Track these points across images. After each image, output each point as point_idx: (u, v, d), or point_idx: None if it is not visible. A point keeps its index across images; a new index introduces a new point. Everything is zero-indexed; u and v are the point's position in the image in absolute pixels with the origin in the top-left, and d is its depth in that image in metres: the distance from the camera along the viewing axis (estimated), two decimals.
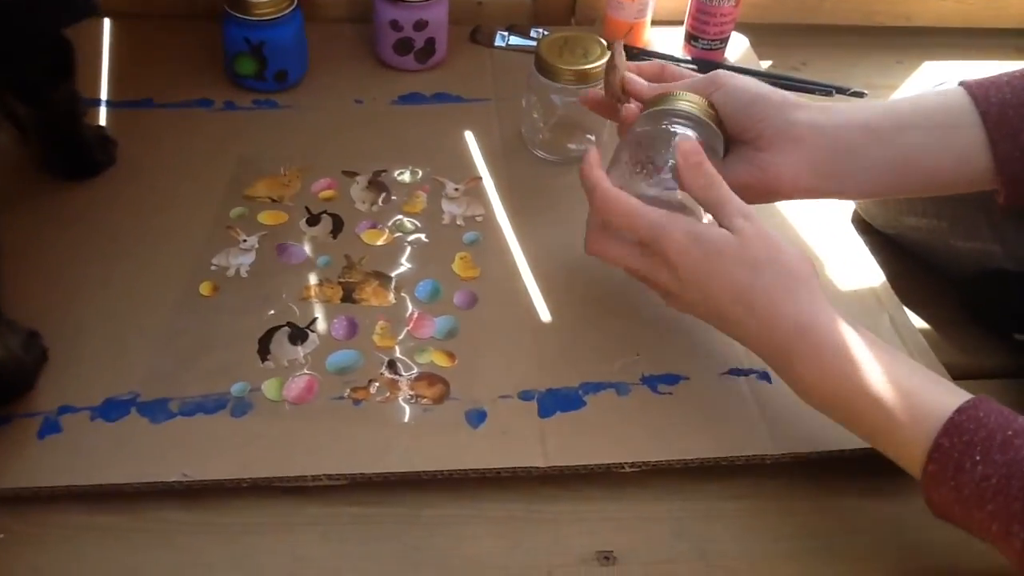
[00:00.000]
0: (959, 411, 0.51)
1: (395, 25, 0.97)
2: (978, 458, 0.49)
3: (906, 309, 0.78)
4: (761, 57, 1.13)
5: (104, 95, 0.93)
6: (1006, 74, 0.64)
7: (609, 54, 0.74)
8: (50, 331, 0.69)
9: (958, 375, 0.71)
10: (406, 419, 0.66)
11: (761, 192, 0.66)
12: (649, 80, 0.73)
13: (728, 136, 0.68)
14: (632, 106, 0.71)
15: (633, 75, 0.72)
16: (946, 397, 0.52)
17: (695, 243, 0.59)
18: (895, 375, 0.54)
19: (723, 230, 0.60)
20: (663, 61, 0.77)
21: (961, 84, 0.66)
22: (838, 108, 0.66)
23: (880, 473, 0.65)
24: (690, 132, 0.66)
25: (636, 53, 1.07)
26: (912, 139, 0.64)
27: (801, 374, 0.58)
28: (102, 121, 0.90)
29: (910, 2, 1.23)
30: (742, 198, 0.62)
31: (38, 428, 0.63)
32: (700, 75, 0.70)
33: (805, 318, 0.57)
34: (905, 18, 1.23)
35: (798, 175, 0.65)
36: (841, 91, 1.05)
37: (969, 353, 0.78)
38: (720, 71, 0.69)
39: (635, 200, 0.62)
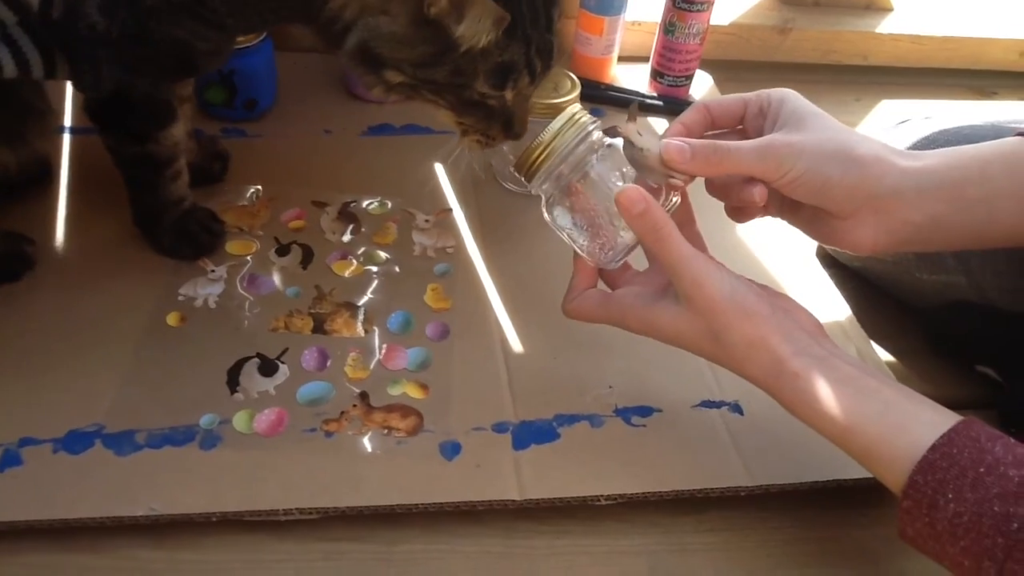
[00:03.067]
0: (933, 448, 0.51)
1: None
2: (950, 496, 0.50)
3: (872, 342, 0.79)
4: (724, 93, 1.14)
5: (68, 122, 0.92)
6: None
7: (624, 127, 0.60)
8: (11, 360, 0.67)
9: None
10: (379, 452, 0.65)
11: (836, 246, 0.64)
12: (731, 117, 0.64)
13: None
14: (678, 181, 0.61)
15: (674, 144, 0.59)
16: (921, 432, 0.53)
17: (654, 329, 0.62)
18: (868, 415, 0.55)
19: (673, 310, 0.60)
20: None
21: None
22: (927, 170, 0.60)
23: (855, 504, 0.66)
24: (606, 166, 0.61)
25: (604, 88, 1.08)
26: (999, 206, 0.60)
27: (789, 412, 0.59)
28: (66, 147, 0.89)
29: (867, 42, 1.26)
30: (817, 241, 0.64)
31: None
32: (757, 150, 0.59)
33: (771, 380, 0.58)
34: (862, 57, 1.27)
35: (877, 242, 0.61)
36: None
37: (934, 385, 0.79)
38: (776, 140, 0.59)
39: (587, 306, 0.64)
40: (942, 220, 0.60)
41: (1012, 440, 0.52)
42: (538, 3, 0.64)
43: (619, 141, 0.61)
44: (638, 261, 0.66)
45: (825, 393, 0.56)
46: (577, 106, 0.62)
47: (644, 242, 0.60)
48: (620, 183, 0.60)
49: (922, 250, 0.65)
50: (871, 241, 0.61)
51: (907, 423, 0.54)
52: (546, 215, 0.64)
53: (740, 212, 0.67)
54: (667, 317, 0.61)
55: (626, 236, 0.61)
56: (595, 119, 0.62)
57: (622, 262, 0.65)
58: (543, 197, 0.63)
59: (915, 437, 0.53)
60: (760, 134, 0.62)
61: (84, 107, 0.71)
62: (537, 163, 0.61)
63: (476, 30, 0.59)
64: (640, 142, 0.59)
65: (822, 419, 0.56)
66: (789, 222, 0.67)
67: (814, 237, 0.65)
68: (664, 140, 0.60)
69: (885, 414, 0.55)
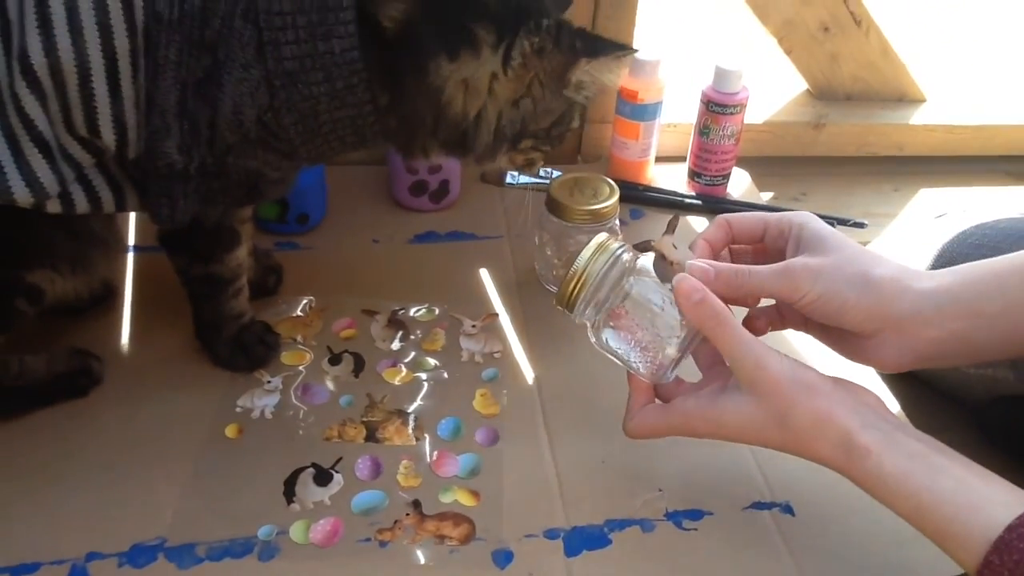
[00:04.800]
0: (1009, 528, 0.50)
1: (411, 168, 1.01)
2: None
3: None
4: (762, 189, 1.17)
5: (132, 240, 0.96)
6: None
7: (658, 245, 0.63)
8: (78, 475, 0.70)
9: None
10: (432, 562, 0.66)
11: (862, 363, 0.65)
12: (720, 248, 0.67)
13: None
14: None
15: (698, 265, 0.62)
16: (996, 512, 0.52)
17: (719, 427, 0.62)
18: (941, 492, 0.54)
19: (737, 400, 0.60)
20: (727, 217, 0.67)
21: None
22: (943, 289, 0.61)
23: None
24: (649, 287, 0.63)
25: (642, 190, 1.11)
26: (1019, 316, 0.60)
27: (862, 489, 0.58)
28: (130, 263, 0.93)
29: (902, 133, 1.28)
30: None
31: None
32: (775, 273, 0.62)
33: (842, 458, 0.57)
34: (898, 148, 1.29)
35: (902, 361, 0.62)
36: (842, 222, 1.09)
37: None
38: (795, 264, 0.62)
39: (649, 421, 0.65)
40: (965, 336, 0.61)
41: None
42: None
43: (650, 259, 0.63)
44: (690, 375, 0.67)
45: (896, 470, 0.55)
46: (604, 234, 0.65)
47: (703, 330, 0.61)
48: (660, 298, 0.63)
49: (952, 364, 0.66)
50: (895, 360, 0.62)
51: (981, 502, 0.53)
52: (593, 340, 0.66)
53: (754, 323, 0.68)
54: (731, 408, 0.61)
55: (671, 349, 0.63)
56: (623, 244, 0.64)
57: (675, 374, 0.65)
58: (588, 324, 0.65)
59: (989, 516, 0.52)
60: (780, 254, 0.65)
61: (157, 235, 0.75)
62: (574, 294, 0.64)
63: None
64: (672, 255, 0.61)
65: (894, 497, 0.55)
66: (815, 338, 0.68)
67: (840, 353, 0.66)
68: (689, 261, 0.62)
69: (958, 492, 0.54)
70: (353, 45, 0.65)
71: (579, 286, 0.63)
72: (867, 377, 0.84)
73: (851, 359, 0.66)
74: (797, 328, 0.69)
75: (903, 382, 0.86)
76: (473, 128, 0.71)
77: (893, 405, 0.81)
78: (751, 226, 0.67)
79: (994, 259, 0.62)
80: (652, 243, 0.62)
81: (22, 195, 0.62)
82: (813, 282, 0.60)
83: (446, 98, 0.69)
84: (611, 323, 0.64)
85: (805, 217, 0.65)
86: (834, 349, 0.66)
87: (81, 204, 0.66)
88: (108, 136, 0.64)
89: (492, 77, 0.69)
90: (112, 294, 0.88)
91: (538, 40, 0.68)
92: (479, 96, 0.70)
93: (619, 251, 0.63)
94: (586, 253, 0.63)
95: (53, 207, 0.65)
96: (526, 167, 0.80)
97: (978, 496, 0.54)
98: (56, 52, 0.60)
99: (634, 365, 0.65)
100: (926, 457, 0.56)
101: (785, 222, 0.65)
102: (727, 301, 0.62)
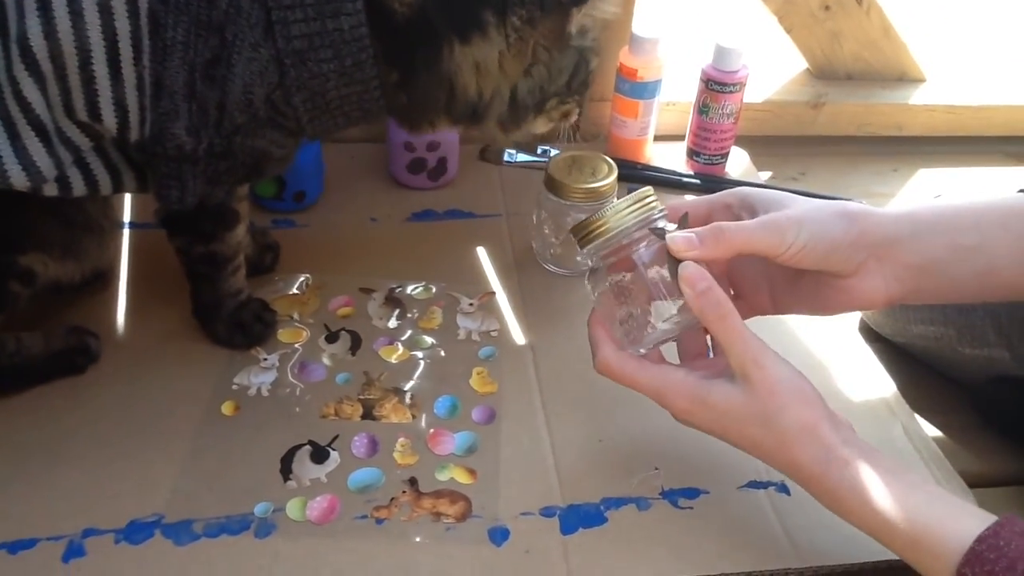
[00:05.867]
0: (979, 540, 0.51)
1: (409, 146, 1.01)
2: None
3: (918, 417, 0.79)
4: (760, 168, 1.17)
5: (128, 217, 0.96)
6: None
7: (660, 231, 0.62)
8: (75, 451, 0.70)
9: (973, 482, 0.73)
10: (429, 539, 0.66)
11: (847, 309, 0.66)
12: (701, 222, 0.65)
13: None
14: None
15: (680, 236, 0.61)
16: (967, 523, 0.53)
17: (702, 406, 0.61)
18: (914, 505, 0.55)
19: (727, 388, 0.60)
20: (709, 200, 0.68)
21: None
22: (919, 215, 0.63)
23: None
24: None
25: (640, 168, 1.10)
26: (998, 255, 0.62)
27: (826, 505, 0.59)
28: (126, 240, 0.93)
29: (901, 113, 1.27)
30: (823, 314, 0.65)
31: (63, 552, 0.64)
32: (760, 225, 0.61)
33: (819, 467, 0.58)
34: (897, 128, 1.28)
35: (889, 291, 0.63)
36: None
37: (984, 460, 0.79)
38: (775, 215, 0.61)
39: (631, 365, 0.63)
40: (943, 266, 0.62)
41: None
42: None
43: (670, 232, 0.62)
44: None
45: (874, 481, 0.56)
46: (650, 189, 0.63)
47: (704, 320, 0.59)
48: (666, 274, 0.61)
49: (935, 300, 0.67)
50: (883, 290, 0.63)
51: (954, 513, 0.54)
52: (587, 284, 0.65)
53: None
54: (719, 394, 0.60)
55: (659, 328, 0.62)
56: (664, 208, 0.63)
57: (643, 352, 0.64)
58: (589, 263, 0.65)
59: (961, 528, 0.53)
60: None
61: (157, 214, 0.75)
62: (593, 235, 0.62)
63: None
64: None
65: (869, 507, 0.56)
66: (783, 311, 0.68)
67: (818, 311, 0.66)
68: (670, 234, 0.60)
69: (932, 504, 0.55)
70: (361, 22, 0.65)
71: (600, 231, 0.62)
72: (860, 358, 0.84)
73: (831, 310, 0.66)
74: (766, 312, 0.69)
75: (899, 362, 0.86)
76: (486, 106, 0.73)
77: (889, 386, 0.81)
78: (695, 210, 0.67)
79: (974, 199, 0.63)
80: (666, 237, 0.61)
81: (18, 179, 0.61)
82: (799, 230, 0.60)
83: (461, 82, 0.70)
84: (608, 279, 0.63)
85: (744, 189, 0.66)
86: (809, 310, 0.66)
87: (78, 187, 0.66)
88: (109, 120, 0.63)
89: (501, 56, 0.70)
90: (102, 279, 0.87)
91: (525, 12, 0.70)
92: (492, 76, 0.71)
93: (656, 216, 0.62)
94: (623, 202, 0.62)
95: (50, 190, 0.65)
96: (563, 120, 0.80)
97: (951, 508, 0.55)
98: (56, 35, 0.59)
99: (613, 323, 0.64)
100: (901, 475, 0.57)
101: (727, 196, 0.67)
102: (716, 263, 0.61)
